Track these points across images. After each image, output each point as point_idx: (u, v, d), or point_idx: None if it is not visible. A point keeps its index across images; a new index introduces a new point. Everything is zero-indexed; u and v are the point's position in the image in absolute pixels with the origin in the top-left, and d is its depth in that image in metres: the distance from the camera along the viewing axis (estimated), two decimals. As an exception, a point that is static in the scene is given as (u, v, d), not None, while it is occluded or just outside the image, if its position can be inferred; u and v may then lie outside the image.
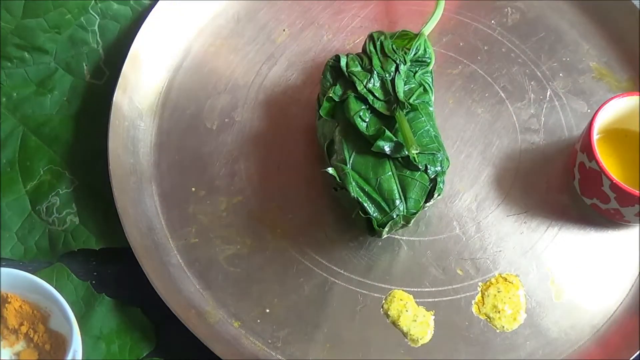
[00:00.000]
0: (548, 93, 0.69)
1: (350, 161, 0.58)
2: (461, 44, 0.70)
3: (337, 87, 0.61)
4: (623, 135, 0.64)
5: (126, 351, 0.57)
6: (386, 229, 0.57)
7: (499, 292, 0.60)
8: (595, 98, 0.68)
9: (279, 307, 0.59)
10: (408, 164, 0.58)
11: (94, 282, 0.60)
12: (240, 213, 0.62)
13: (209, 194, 0.63)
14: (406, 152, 0.57)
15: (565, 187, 0.65)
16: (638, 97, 0.62)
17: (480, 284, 0.60)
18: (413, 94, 0.61)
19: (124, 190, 0.61)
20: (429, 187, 0.58)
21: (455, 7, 0.71)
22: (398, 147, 0.58)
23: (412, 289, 0.60)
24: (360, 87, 0.60)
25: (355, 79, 0.61)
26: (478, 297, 0.60)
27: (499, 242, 0.62)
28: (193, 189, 0.63)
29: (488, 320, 0.59)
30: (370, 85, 0.61)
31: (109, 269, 0.61)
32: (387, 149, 0.57)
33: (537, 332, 0.59)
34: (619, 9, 0.71)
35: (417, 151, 0.57)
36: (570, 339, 0.59)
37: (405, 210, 0.57)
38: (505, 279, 0.61)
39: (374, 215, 0.57)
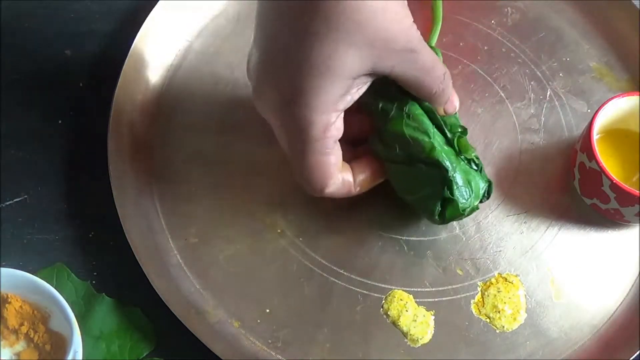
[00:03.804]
0: (548, 93, 0.69)
1: (439, 144, 0.57)
2: (461, 44, 0.70)
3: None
4: (623, 135, 0.64)
5: (126, 351, 0.57)
6: (456, 217, 0.58)
7: (499, 292, 0.60)
8: (595, 98, 0.68)
9: (279, 307, 0.59)
10: (466, 160, 0.58)
11: (94, 282, 0.60)
12: (241, 213, 0.62)
13: (210, 193, 0.63)
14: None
15: (565, 187, 0.65)
16: (638, 97, 0.62)
17: (480, 284, 0.60)
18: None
19: (124, 190, 0.61)
20: (487, 188, 0.59)
21: (456, 7, 0.71)
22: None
23: (412, 289, 0.60)
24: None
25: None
26: (478, 297, 0.60)
27: (499, 242, 0.62)
28: (193, 189, 0.63)
29: (488, 320, 0.59)
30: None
31: (109, 269, 0.61)
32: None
33: (537, 332, 0.59)
34: (619, 9, 0.71)
35: (474, 154, 0.58)
36: (570, 339, 0.59)
37: (476, 200, 0.58)
38: (505, 279, 0.61)
39: (456, 198, 0.57)
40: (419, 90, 0.54)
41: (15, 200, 0.63)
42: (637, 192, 0.58)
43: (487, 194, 0.59)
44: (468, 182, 0.57)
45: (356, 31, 0.48)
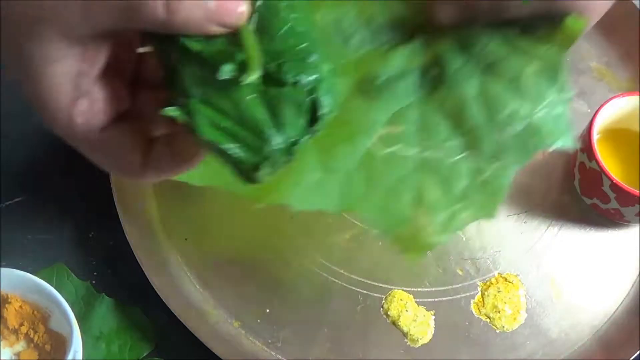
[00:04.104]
0: (548, 93, 0.68)
1: (198, 93, 0.40)
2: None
3: None
4: (623, 135, 0.64)
5: (126, 351, 0.57)
6: (265, 170, 0.40)
7: (499, 292, 0.60)
8: (595, 98, 0.68)
9: (279, 307, 0.59)
10: (272, 79, 0.40)
11: (94, 282, 0.60)
12: (241, 213, 0.62)
13: (210, 193, 0.63)
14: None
15: (565, 187, 0.65)
16: (638, 97, 0.62)
17: (480, 284, 0.60)
18: None
19: (123, 190, 0.61)
20: (308, 105, 0.41)
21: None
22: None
23: (412, 289, 0.60)
24: None
25: None
26: (478, 297, 0.60)
27: (499, 242, 0.62)
28: (194, 188, 0.63)
29: (488, 320, 0.59)
30: None
31: (109, 269, 0.61)
32: (235, 75, 0.39)
33: (537, 332, 0.59)
34: (619, 9, 0.71)
35: (257, 74, 0.39)
36: (570, 339, 0.59)
37: (283, 141, 0.40)
38: (505, 279, 0.61)
39: (242, 156, 0.40)
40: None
41: (15, 200, 0.63)
42: (637, 192, 0.58)
43: (317, 108, 0.40)
44: (260, 120, 0.39)
45: None
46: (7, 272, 0.55)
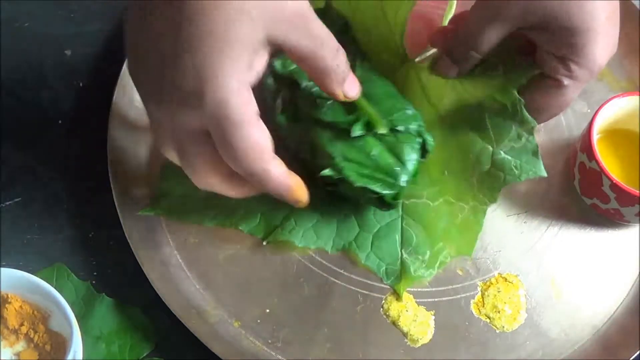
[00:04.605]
0: (548, 93, 0.68)
1: (339, 154, 0.56)
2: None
3: (285, 90, 0.59)
4: (623, 135, 0.64)
5: (126, 351, 0.57)
6: (400, 197, 0.57)
7: (499, 292, 0.60)
8: (595, 98, 0.68)
9: (279, 307, 0.59)
10: (390, 131, 0.56)
11: (94, 282, 0.60)
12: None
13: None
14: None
15: (565, 187, 0.65)
16: (638, 97, 0.62)
17: (480, 284, 0.60)
18: (353, 65, 0.57)
19: (123, 190, 0.61)
20: (420, 144, 0.57)
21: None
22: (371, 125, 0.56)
23: (412, 289, 0.60)
24: (304, 84, 0.58)
25: (297, 76, 0.58)
26: (478, 297, 0.60)
27: (499, 242, 0.62)
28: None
29: (488, 320, 0.59)
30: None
31: (109, 269, 0.61)
32: (364, 132, 0.56)
33: (537, 332, 0.59)
34: (619, 9, 0.71)
35: (386, 129, 0.56)
36: (570, 339, 0.59)
37: (408, 175, 0.56)
38: (505, 279, 0.61)
39: (385, 192, 0.56)
40: (313, 62, 0.50)
41: (15, 200, 0.63)
42: (637, 192, 0.58)
43: (425, 145, 0.57)
44: (390, 164, 0.56)
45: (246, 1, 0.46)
46: (7, 272, 0.55)
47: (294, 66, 0.59)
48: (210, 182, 0.51)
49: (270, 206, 0.60)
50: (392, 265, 0.59)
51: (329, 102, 0.57)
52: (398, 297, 0.59)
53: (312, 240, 0.60)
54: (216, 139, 0.47)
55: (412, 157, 0.56)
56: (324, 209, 0.60)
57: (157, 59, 0.47)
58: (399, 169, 0.56)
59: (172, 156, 0.51)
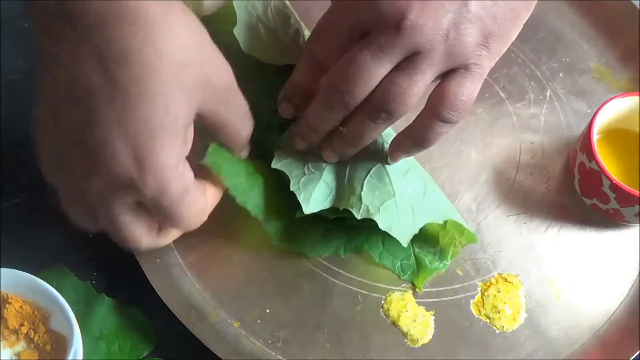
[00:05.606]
0: (548, 93, 0.69)
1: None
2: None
3: None
4: (623, 135, 0.64)
5: (126, 351, 0.57)
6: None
7: (498, 292, 0.60)
8: (595, 98, 0.68)
9: (279, 307, 0.59)
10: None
11: (94, 282, 0.60)
12: (241, 213, 0.62)
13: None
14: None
15: (565, 187, 0.65)
16: (638, 97, 0.62)
17: (480, 284, 0.60)
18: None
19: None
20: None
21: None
22: None
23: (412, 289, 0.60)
24: None
25: None
26: (478, 297, 0.60)
27: (499, 242, 0.62)
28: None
29: (488, 320, 0.59)
30: None
31: (109, 269, 0.61)
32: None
33: (537, 332, 0.59)
34: (619, 9, 0.71)
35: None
36: (570, 339, 0.59)
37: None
38: (505, 279, 0.61)
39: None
40: (232, 132, 0.52)
41: (15, 200, 0.63)
42: (637, 192, 0.58)
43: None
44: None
45: (180, 73, 0.45)
46: (7, 272, 0.55)
47: None
48: (143, 242, 0.51)
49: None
50: (406, 260, 0.60)
51: None
52: (415, 292, 0.60)
53: (323, 249, 0.60)
54: (157, 214, 0.49)
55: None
56: (328, 220, 0.59)
57: (78, 137, 0.46)
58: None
59: (83, 219, 0.51)
